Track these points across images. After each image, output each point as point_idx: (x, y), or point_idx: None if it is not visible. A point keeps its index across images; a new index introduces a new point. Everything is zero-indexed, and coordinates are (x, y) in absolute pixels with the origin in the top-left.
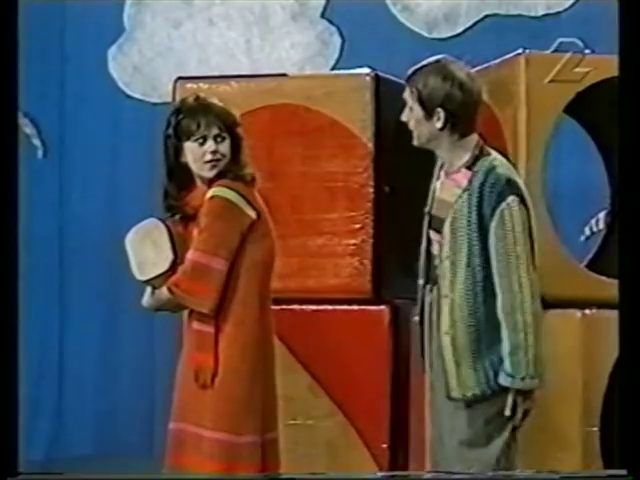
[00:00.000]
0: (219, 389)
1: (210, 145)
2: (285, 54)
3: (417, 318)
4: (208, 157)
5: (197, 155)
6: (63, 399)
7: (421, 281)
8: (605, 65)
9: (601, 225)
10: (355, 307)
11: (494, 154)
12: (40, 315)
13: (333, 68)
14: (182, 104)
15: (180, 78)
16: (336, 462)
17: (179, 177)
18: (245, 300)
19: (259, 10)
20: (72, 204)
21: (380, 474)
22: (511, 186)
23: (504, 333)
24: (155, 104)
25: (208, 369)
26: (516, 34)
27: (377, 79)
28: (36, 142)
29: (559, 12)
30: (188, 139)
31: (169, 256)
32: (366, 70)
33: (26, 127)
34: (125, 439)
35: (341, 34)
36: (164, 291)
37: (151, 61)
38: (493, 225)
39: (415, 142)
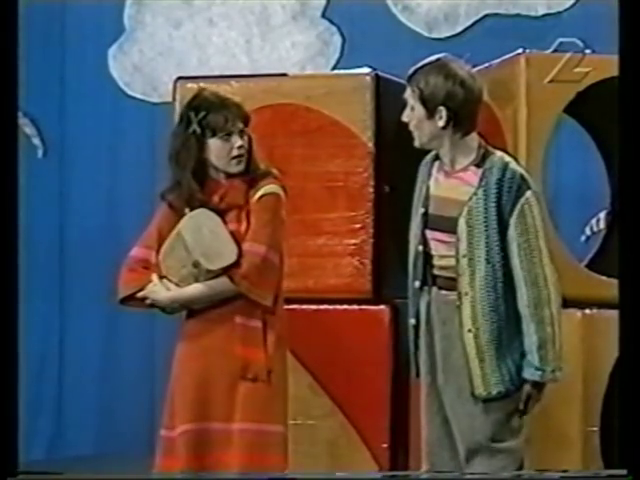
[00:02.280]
0: (271, 382)
1: (236, 140)
2: (285, 54)
3: (413, 321)
4: (235, 152)
5: (223, 151)
6: (63, 399)
7: (417, 283)
8: (605, 65)
9: (602, 225)
10: (355, 307)
11: (497, 151)
12: (40, 315)
13: (334, 68)
14: (201, 100)
15: (180, 78)
16: (336, 462)
17: (199, 173)
18: (282, 295)
19: (259, 10)
20: (72, 204)
21: (380, 474)
22: (526, 181)
23: (530, 327)
24: (155, 104)
25: (260, 363)
26: (516, 34)
27: (377, 79)
28: (36, 142)
29: (559, 12)
30: (214, 135)
31: (234, 248)
32: (366, 70)
33: (26, 127)
34: (125, 439)
35: (342, 34)
36: (224, 281)
37: (151, 61)
38: (513, 220)
39: (416, 143)
